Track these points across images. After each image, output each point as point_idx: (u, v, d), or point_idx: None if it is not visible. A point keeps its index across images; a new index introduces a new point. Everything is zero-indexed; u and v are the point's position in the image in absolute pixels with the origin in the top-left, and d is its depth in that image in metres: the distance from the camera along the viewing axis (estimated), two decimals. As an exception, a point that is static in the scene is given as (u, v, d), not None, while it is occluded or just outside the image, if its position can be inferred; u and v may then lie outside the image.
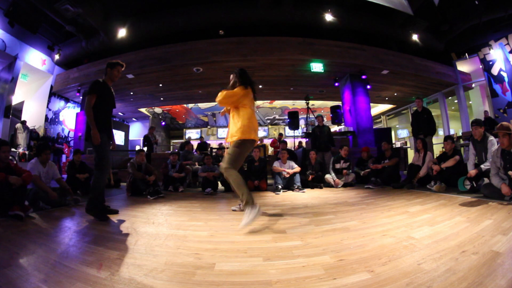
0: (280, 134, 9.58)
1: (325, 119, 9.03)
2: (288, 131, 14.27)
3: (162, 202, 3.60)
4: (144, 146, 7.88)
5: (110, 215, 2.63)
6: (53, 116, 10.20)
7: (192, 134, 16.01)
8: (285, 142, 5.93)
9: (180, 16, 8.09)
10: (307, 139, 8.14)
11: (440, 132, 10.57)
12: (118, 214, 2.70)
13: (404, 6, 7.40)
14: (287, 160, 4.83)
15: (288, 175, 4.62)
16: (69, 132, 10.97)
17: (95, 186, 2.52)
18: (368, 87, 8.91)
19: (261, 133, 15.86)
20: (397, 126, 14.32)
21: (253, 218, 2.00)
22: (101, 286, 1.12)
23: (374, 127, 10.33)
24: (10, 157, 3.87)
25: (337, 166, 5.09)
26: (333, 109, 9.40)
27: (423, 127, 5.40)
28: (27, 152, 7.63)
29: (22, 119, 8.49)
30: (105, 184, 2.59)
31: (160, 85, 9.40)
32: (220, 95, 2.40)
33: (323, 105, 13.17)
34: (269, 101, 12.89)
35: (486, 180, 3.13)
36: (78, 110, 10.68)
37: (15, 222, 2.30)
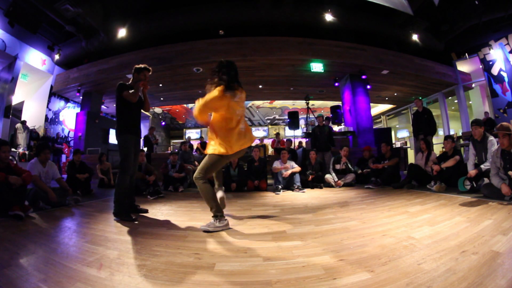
0: (277, 134, 9.56)
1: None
2: (288, 131, 14.27)
3: (162, 202, 3.60)
4: (144, 146, 7.87)
5: (141, 213, 2.78)
6: (53, 116, 10.20)
7: (192, 134, 16.01)
8: (290, 141, 5.88)
9: (180, 16, 8.10)
10: (307, 139, 8.13)
11: (440, 132, 10.57)
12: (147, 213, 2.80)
13: (404, 6, 7.40)
14: (287, 160, 4.83)
15: (287, 175, 4.61)
16: (69, 132, 10.96)
17: (116, 186, 2.57)
18: (368, 87, 8.92)
19: (261, 133, 15.86)
20: (397, 126, 14.32)
21: (217, 228, 1.97)
22: (101, 286, 1.12)
23: (374, 127, 10.33)
24: (10, 157, 3.87)
25: (337, 166, 5.08)
26: (333, 109, 9.41)
27: (424, 127, 5.40)
28: (27, 152, 7.62)
29: (22, 119, 8.49)
30: (126, 185, 2.58)
31: (160, 85, 9.40)
32: (196, 108, 2.00)
33: (323, 105, 13.18)
34: (269, 101, 12.89)
35: (486, 180, 3.12)
36: (78, 110, 10.68)
37: (15, 222, 2.30)
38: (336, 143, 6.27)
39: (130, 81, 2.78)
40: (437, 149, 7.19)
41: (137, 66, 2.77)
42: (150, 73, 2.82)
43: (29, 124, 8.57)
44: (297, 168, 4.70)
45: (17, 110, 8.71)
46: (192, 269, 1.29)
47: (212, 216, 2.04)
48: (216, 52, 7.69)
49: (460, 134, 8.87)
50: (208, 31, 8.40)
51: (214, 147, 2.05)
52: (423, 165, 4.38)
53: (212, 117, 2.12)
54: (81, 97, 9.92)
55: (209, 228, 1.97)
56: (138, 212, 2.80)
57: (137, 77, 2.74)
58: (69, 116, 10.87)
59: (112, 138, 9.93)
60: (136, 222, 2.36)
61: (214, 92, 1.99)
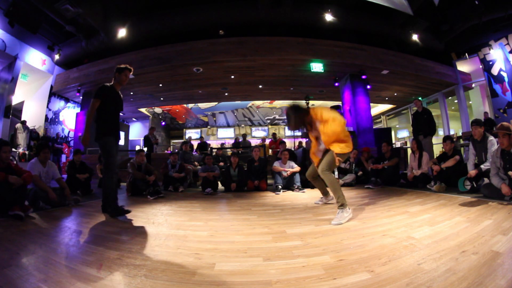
0: (274, 134, 9.59)
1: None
2: (288, 131, 14.27)
3: (162, 202, 3.60)
4: (144, 146, 7.87)
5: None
6: (53, 116, 10.20)
7: (192, 134, 16.00)
8: (284, 143, 5.92)
9: (180, 16, 8.09)
10: (307, 139, 8.12)
11: (440, 132, 10.57)
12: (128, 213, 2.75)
13: (404, 6, 7.39)
14: (287, 160, 4.84)
15: (287, 175, 4.62)
16: (69, 132, 10.96)
17: (104, 185, 2.69)
18: (368, 87, 8.91)
19: (261, 133, 15.87)
20: (397, 126, 14.32)
21: (346, 219, 2.15)
22: (101, 286, 1.12)
23: (374, 127, 10.32)
24: (10, 157, 3.86)
25: (342, 165, 5.14)
26: (333, 109, 9.37)
27: (423, 128, 5.40)
28: (27, 152, 7.62)
29: (22, 119, 8.48)
30: (114, 183, 2.68)
31: (160, 85, 9.39)
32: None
33: (323, 105, 13.18)
34: (269, 101, 12.89)
35: (486, 180, 3.12)
36: (78, 110, 10.67)
37: (15, 222, 2.30)
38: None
39: (112, 81, 2.83)
40: (437, 149, 7.18)
41: (118, 66, 2.85)
42: (131, 73, 2.91)
43: (29, 124, 8.56)
44: (297, 168, 4.70)
45: (17, 110, 8.70)
46: (192, 269, 1.29)
47: (339, 207, 2.23)
48: (216, 52, 7.69)
49: (460, 134, 8.86)
50: (208, 31, 8.39)
51: (341, 147, 2.35)
52: (416, 168, 4.34)
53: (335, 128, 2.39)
54: (81, 97, 9.92)
55: (341, 221, 2.11)
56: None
57: (119, 76, 2.82)
58: (69, 116, 10.86)
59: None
60: (129, 213, 2.51)
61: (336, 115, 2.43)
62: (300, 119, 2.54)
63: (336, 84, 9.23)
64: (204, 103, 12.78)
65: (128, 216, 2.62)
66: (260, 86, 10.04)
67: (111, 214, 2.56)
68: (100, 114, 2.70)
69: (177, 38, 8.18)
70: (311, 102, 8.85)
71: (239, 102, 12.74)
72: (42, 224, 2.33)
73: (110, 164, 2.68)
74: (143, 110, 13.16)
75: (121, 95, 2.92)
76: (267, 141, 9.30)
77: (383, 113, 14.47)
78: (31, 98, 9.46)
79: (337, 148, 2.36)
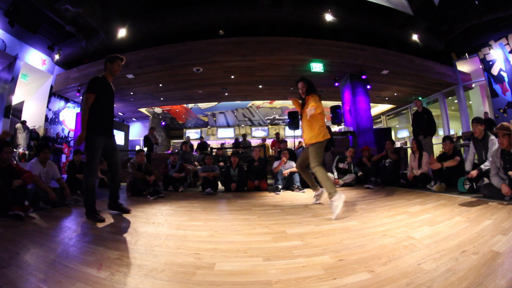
0: (277, 134, 9.59)
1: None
2: (288, 131, 14.25)
3: (162, 202, 3.60)
4: (144, 146, 7.87)
5: (123, 213, 2.68)
6: (53, 116, 10.19)
7: (192, 134, 16.00)
8: (286, 142, 5.93)
9: (180, 16, 8.09)
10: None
11: (440, 132, 10.57)
12: (128, 214, 2.71)
13: (404, 6, 7.39)
14: (287, 160, 4.83)
15: (287, 174, 4.62)
16: (69, 132, 10.96)
17: (84, 189, 2.52)
18: (368, 87, 8.91)
19: (261, 133, 15.88)
20: (397, 126, 14.32)
21: (342, 205, 2.35)
22: (101, 286, 1.12)
23: (374, 127, 10.33)
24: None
25: (341, 165, 5.12)
26: (333, 109, 9.39)
27: (423, 127, 5.40)
28: (27, 152, 7.62)
29: (22, 119, 8.48)
30: (92, 186, 2.50)
31: (160, 85, 9.39)
32: (317, 106, 2.69)
33: (323, 105, 13.16)
34: (269, 101, 12.89)
35: (486, 180, 3.12)
36: (78, 110, 10.68)
37: (15, 222, 2.30)
38: (336, 143, 6.25)
39: (104, 72, 2.65)
40: (437, 149, 7.18)
41: (109, 55, 2.66)
42: (123, 62, 2.71)
43: (29, 124, 8.56)
44: (297, 168, 4.70)
45: (17, 110, 8.70)
46: (192, 269, 1.29)
47: (330, 197, 2.45)
48: (216, 52, 7.69)
49: (460, 134, 8.86)
50: (208, 31, 8.39)
51: (320, 135, 2.74)
52: (416, 168, 4.34)
53: (314, 115, 2.71)
54: (81, 97, 9.92)
55: (337, 210, 2.31)
56: (121, 211, 2.73)
57: (111, 66, 2.63)
58: (69, 116, 10.86)
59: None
60: (103, 222, 2.33)
61: (318, 101, 2.85)
62: (311, 91, 3.11)
63: (336, 84, 9.23)
64: (204, 103, 12.78)
65: (128, 216, 2.63)
66: (260, 86, 10.04)
67: (86, 214, 2.45)
68: (92, 109, 2.48)
69: (177, 38, 8.18)
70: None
71: (239, 102, 12.74)
72: (42, 224, 2.33)
73: (91, 167, 2.47)
74: (143, 110, 13.16)
75: (113, 87, 2.73)
76: (268, 141, 9.30)
77: (383, 113, 14.47)
78: (31, 98, 9.46)
79: (319, 137, 2.73)
